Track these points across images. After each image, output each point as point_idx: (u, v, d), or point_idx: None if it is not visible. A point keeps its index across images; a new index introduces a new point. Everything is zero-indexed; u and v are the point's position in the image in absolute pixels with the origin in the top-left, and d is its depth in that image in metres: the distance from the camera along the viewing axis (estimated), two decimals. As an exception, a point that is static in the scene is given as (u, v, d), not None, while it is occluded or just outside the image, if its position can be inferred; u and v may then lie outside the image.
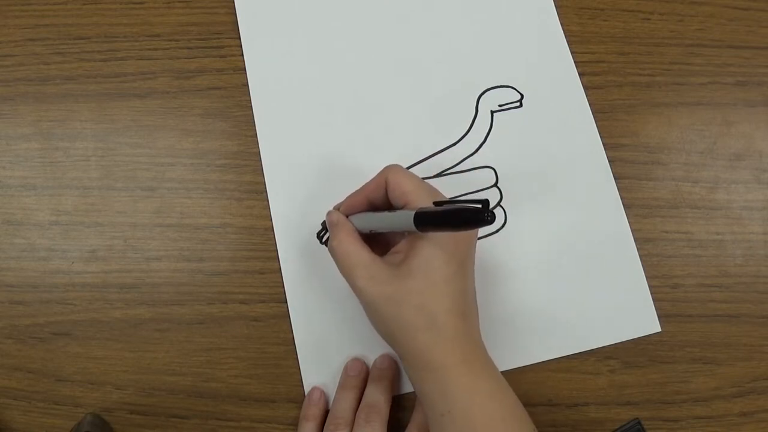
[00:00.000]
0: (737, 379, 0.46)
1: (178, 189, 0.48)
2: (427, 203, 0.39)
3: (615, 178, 0.49)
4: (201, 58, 0.51)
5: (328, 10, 0.52)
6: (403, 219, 0.38)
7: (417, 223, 0.37)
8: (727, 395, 0.46)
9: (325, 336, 0.46)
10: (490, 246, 0.48)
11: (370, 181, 0.42)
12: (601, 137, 0.50)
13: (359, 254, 0.40)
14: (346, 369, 0.45)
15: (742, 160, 0.50)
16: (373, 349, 0.46)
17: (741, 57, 0.52)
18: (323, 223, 0.47)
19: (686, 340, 0.47)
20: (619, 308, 0.47)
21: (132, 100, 0.50)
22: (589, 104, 0.51)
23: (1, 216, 0.48)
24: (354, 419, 0.43)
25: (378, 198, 0.42)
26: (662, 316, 0.47)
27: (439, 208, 0.36)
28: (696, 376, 0.46)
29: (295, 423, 0.45)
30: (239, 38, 0.51)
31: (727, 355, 0.47)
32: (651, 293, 0.47)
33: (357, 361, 0.45)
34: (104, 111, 0.50)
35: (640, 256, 0.48)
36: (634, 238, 0.48)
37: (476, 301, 0.42)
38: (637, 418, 0.45)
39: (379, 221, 0.41)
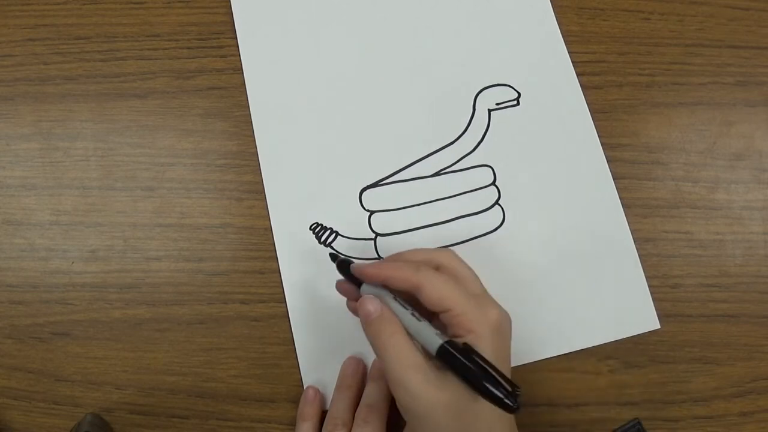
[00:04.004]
0: (737, 379, 0.46)
1: (178, 189, 0.49)
2: (471, 321, 0.37)
3: (613, 177, 0.49)
4: (201, 58, 0.51)
5: (325, 10, 0.52)
6: (426, 336, 0.36)
7: (439, 356, 0.35)
8: (727, 395, 0.46)
9: (325, 335, 0.46)
10: (488, 245, 0.48)
11: (396, 270, 0.38)
12: (599, 136, 0.50)
13: (414, 355, 0.36)
14: (343, 368, 0.45)
15: (742, 160, 0.50)
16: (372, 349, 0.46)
17: (741, 57, 0.52)
18: (319, 224, 0.47)
19: (686, 339, 0.47)
20: (617, 306, 0.47)
21: (132, 100, 0.50)
22: (589, 104, 0.51)
23: (1, 216, 0.48)
24: (352, 419, 0.43)
25: (401, 293, 0.39)
26: (662, 316, 0.47)
27: (468, 360, 0.35)
28: (696, 376, 0.46)
29: (295, 423, 0.45)
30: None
31: (727, 355, 0.47)
32: (650, 290, 0.47)
33: (354, 359, 0.45)
34: (104, 111, 0.50)
35: (640, 256, 0.48)
36: (634, 238, 0.48)
37: None
38: (637, 418, 0.45)
39: (403, 321, 0.38)
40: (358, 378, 0.45)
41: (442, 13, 0.52)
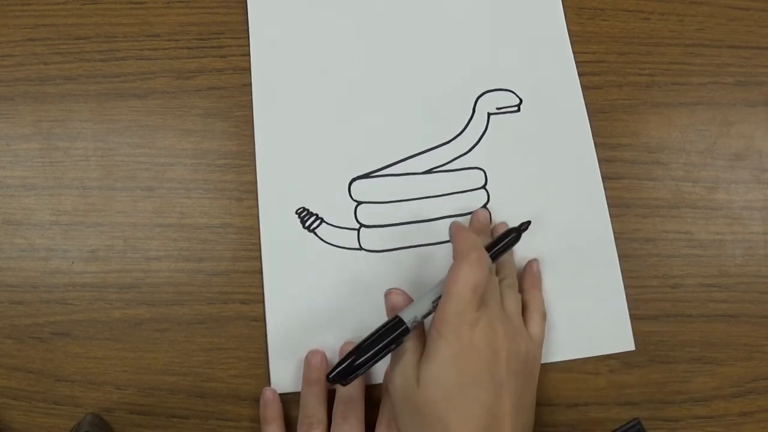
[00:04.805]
0: (737, 379, 0.46)
1: (178, 189, 0.49)
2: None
3: (613, 178, 0.49)
4: (201, 58, 0.51)
5: (334, 10, 0.52)
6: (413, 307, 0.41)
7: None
8: (727, 395, 0.46)
9: (299, 337, 0.46)
10: None
11: (465, 234, 0.41)
12: (599, 136, 0.50)
13: (409, 353, 0.40)
14: (307, 362, 0.45)
15: (742, 160, 0.50)
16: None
17: (741, 57, 0.52)
18: (305, 209, 0.47)
19: (686, 340, 0.47)
20: (595, 323, 0.46)
21: (132, 100, 0.50)
22: (589, 104, 0.51)
23: (1, 216, 0.48)
24: (326, 414, 0.43)
25: None
26: (662, 316, 0.47)
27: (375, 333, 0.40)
28: (696, 376, 0.46)
29: (295, 423, 0.45)
30: (239, 38, 0.51)
31: (727, 355, 0.47)
32: (629, 311, 0.47)
33: (317, 352, 0.45)
34: (104, 111, 0.50)
35: (640, 256, 0.48)
36: (633, 238, 0.48)
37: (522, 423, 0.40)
38: (637, 418, 0.45)
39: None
40: (323, 370, 0.44)
41: (451, 15, 0.52)
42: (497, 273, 0.45)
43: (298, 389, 0.45)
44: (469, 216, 0.48)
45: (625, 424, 0.44)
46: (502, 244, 0.44)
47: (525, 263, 0.47)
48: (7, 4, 0.51)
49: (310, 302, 0.46)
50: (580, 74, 0.51)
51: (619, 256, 0.48)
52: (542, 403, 0.46)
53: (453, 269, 0.39)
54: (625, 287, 0.47)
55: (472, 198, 0.49)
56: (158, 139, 0.49)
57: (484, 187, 0.49)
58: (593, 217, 0.49)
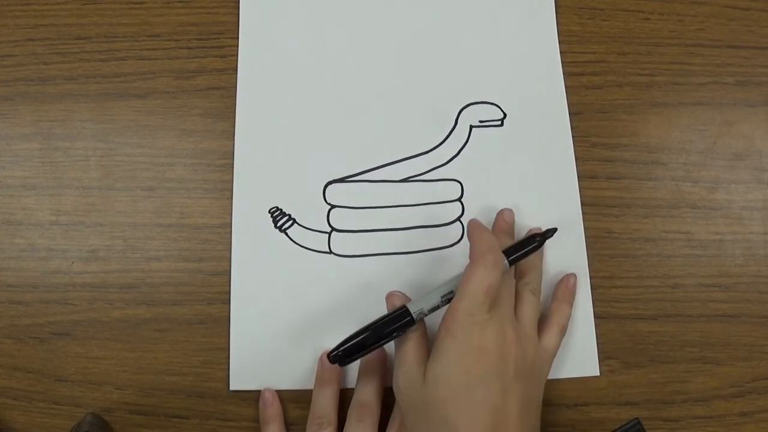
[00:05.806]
0: (737, 379, 0.46)
1: (178, 189, 0.49)
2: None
3: (613, 178, 0.49)
4: (201, 58, 0.51)
5: (325, 18, 0.52)
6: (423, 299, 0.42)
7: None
8: (727, 395, 0.46)
9: (262, 336, 0.46)
10: (441, 259, 0.47)
11: (485, 235, 0.41)
12: (598, 137, 0.50)
13: (412, 352, 0.40)
14: (321, 362, 0.44)
15: (742, 160, 0.50)
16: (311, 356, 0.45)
17: (741, 57, 0.52)
18: (278, 209, 0.47)
19: (686, 340, 0.47)
20: (563, 343, 0.46)
21: (132, 100, 0.50)
22: (589, 104, 0.51)
23: (1, 216, 0.48)
24: (336, 416, 0.43)
25: None
26: (662, 316, 0.47)
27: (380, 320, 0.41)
28: (696, 376, 0.46)
29: (294, 423, 0.45)
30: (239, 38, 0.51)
31: (727, 355, 0.47)
32: (596, 335, 0.46)
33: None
34: (104, 111, 0.50)
35: (641, 256, 0.48)
36: (632, 238, 0.48)
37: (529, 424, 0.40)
38: (637, 418, 0.45)
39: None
40: (336, 374, 0.44)
41: (440, 27, 0.52)
42: (521, 276, 0.44)
43: (256, 388, 0.45)
44: (442, 228, 0.48)
45: (625, 424, 0.44)
46: (523, 251, 0.43)
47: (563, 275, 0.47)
48: (7, 4, 0.51)
49: (276, 303, 0.46)
50: (580, 74, 0.51)
51: (618, 257, 0.48)
52: (542, 403, 0.46)
53: (468, 270, 0.39)
54: (625, 285, 0.48)
55: (447, 209, 0.48)
56: (158, 139, 0.49)
57: (459, 199, 0.48)
58: (569, 244, 0.48)
